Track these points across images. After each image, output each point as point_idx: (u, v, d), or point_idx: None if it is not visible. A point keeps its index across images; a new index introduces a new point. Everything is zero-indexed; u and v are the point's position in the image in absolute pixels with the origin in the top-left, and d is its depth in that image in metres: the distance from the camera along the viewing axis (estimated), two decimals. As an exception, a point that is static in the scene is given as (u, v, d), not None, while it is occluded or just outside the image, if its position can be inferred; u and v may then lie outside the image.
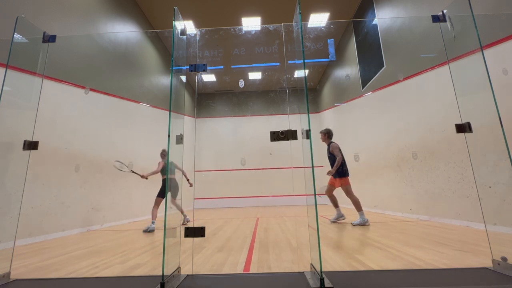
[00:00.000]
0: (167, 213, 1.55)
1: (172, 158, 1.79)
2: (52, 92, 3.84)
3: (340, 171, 4.25)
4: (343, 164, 4.32)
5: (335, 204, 4.39)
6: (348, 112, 7.95)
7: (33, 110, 2.13)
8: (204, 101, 11.34)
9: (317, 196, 1.60)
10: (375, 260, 1.95)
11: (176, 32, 1.86)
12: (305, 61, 1.76)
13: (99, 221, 4.57)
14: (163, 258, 1.45)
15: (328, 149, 4.47)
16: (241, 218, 5.64)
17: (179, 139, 1.80)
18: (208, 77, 10.20)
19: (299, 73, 2.04)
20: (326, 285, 1.38)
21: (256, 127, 10.51)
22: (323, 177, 9.93)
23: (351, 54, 7.57)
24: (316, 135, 10.67)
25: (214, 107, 11.23)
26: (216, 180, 10.20)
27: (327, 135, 4.54)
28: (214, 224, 4.59)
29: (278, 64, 8.51)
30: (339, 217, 4.32)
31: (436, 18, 2.09)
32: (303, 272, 1.67)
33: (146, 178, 4.20)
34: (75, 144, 4.17)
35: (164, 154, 4.41)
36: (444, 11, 2.07)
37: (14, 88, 2.10)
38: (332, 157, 4.39)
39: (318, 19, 7.40)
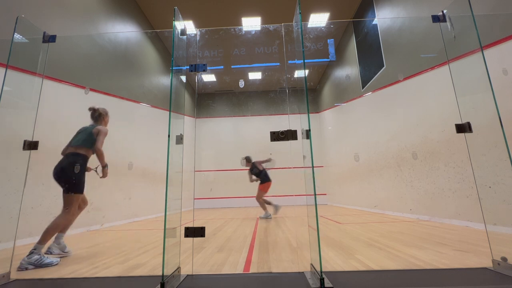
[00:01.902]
0: (167, 213, 1.55)
1: (172, 158, 1.79)
2: (52, 92, 3.84)
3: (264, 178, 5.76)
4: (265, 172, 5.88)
5: (268, 203, 5.63)
6: (348, 112, 7.95)
7: (33, 110, 2.13)
8: (204, 101, 11.34)
9: (316, 196, 1.59)
10: (375, 260, 1.95)
11: (176, 32, 1.86)
12: (305, 61, 1.76)
13: (99, 221, 4.57)
14: (163, 258, 1.45)
15: (253, 169, 5.91)
16: (241, 218, 5.64)
17: (179, 139, 1.80)
18: (208, 77, 10.20)
19: (299, 73, 2.04)
20: (326, 285, 1.38)
21: (256, 127, 10.51)
22: (323, 177, 9.91)
23: (351, 54, 7.57)
24: (316, 135, 10.63)
25: (214, 107, 11.23)
26: (216, 180, 10.20)
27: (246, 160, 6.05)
28: (214, 224, 4.59)
29: (278, 64, 8.50)
30: (267, 216, 5.40)
31: (436, 18, 2.09)
32: (303, 272, 1.67)
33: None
34: (75, 144, 4.16)
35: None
36: (444, 11, 2.07)
37: (14, 88, 2.10)
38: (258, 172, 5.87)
39: (318, 19, 7.40)
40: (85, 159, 2.53)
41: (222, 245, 2.73)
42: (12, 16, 2.21)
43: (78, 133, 2.68)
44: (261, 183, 5.75)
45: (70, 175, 2.39)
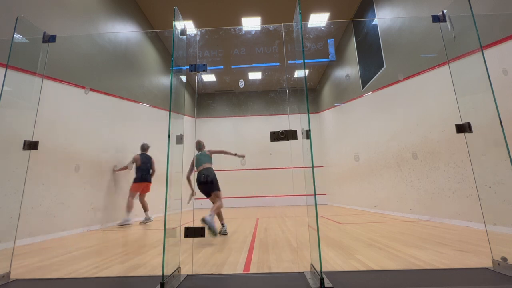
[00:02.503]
0: (167, 213, 1.55)
1: (172, 158, 1.79)
2: (52, 92, 3.84)
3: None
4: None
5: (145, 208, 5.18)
6: (348, 112, 7.95)
7: (33, 110, 2.12)
8: (204, 101, 11.34)
9: (317, 196, 1.59)
10: (375, 260, 1.95)
11: (176, 32, 1.86)
12: (305, 61, 1.76)
13: (99, 221, 4.57)
14: (163, 258, 1.45)
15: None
16: (241, 218, 5.64)
17: (179, 139, 1.80)
18: (208, 77, 10.20)
19: (299, 73, 2.04)
20: (326, 285, 1.38)
21: (256, 127, 10.51)
22: (323, 177, 9.90)
23: (351, 54, 7.57)
24: (316, 135, 10.64)
25: (214, 107, 11.23)
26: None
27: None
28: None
29: (278, 64, 8.50)
30: (147, 219, 5.01)
31: (436, 18, 2.09)
32: (303, 272, 1.67)
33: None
34: (75, 144, 4.16)
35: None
36: (444, 11, 2.07)
37: (14, 88, 2.10)
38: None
39: (318, 19, 7.40)
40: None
41: (222, 245, 2.73)
42: (12, 16, 2.21)
43: (201, 156, 3.98)
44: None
45: (215, 180, 3.74)
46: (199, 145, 4.20)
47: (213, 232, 3.06)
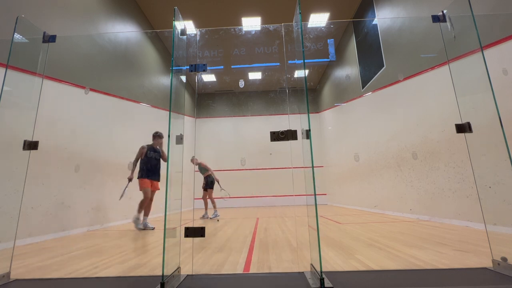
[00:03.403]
0: (167, 213, 1.55)
1: (172, 158, 1.79)
2: (52, 92, 3.84)
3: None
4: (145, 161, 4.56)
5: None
6: (348, 112, 7.95)
7: (33, 110, 2.12)
8: (204, 101, 11.34)
9: (316, 196, 1.59)
10: (375, 260, 1.95)
11: (176, 32, 1.86)
12: (305, 61, 1.76)
13: (99, 221, 4.57)
14: (163, 258, 1.45)
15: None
16: (241, 218, 5.64)
17: (179, 139, 1.80)
18: (208, 77, 10.21)
19: (299, 73, 2.04)
20: (326, 285, 1.38)
21: (256, 127, 10.51)
22: (323, 177, 9.91)
23: (351, 54, 7.57)
24: (316, 135, 10.65)
25: (214, 107, 11.24)
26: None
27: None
28: (214, 224, 4.59)
29: (278, 64, 8.51)
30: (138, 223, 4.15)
31: (436, 18, 2.09)
32: (303, 272, 1.67)
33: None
34: (75, 144, 4.17)
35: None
36: (444, 11, 2.07)
37: (14, 88, 2.10)
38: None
39: (318, 19, 7.41)
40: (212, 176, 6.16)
41: (222, 245, 2.73)
42: (12, 16, 2.21)
43: (200, 168, 6.19)
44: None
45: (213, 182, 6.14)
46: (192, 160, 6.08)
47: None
